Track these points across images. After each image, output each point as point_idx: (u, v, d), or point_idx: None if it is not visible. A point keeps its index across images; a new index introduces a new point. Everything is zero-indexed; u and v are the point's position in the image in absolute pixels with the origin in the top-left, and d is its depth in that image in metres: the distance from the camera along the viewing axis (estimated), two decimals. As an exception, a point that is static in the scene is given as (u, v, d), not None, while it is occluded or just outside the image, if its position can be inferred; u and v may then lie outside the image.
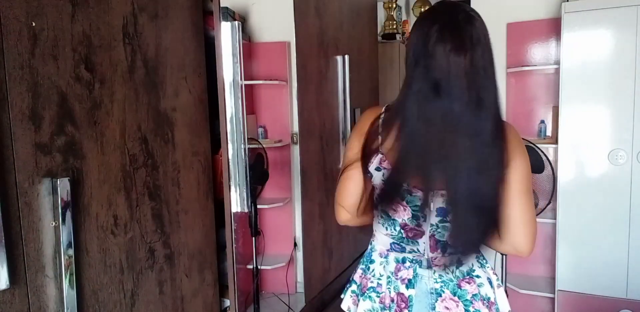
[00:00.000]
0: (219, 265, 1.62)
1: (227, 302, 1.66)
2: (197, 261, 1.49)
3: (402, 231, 1.12)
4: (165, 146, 1.34)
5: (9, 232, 0.89)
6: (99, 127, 1.11)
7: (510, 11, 2.62)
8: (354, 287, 1.24)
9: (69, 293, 1.00)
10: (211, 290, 1.57)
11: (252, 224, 2.04)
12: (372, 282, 1.18)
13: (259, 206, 2.12)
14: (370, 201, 1.18)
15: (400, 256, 1.15)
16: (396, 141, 1.04)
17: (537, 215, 1.26)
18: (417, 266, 1.12)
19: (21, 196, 0.92)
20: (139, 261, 1.24)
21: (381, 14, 3.76)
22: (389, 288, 1.15)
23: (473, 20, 0.99)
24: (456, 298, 1.10)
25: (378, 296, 1.17)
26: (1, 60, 0.88)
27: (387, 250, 1.17)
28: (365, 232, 1.26)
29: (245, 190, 1.57)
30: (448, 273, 1.11)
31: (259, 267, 2.13)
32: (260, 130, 2.33)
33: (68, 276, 1.00)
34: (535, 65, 2.56)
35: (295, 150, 2.20)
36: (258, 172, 2.04)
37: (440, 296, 1.10)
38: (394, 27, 3.79)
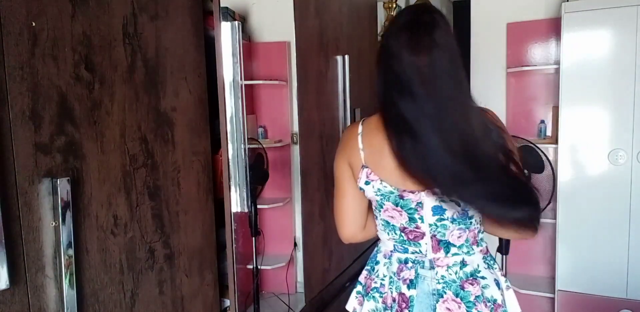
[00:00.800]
0: (219, 265, 1.62)
1: (227, 302, 1.66)
2: (197, 261, 1.49)
3: (403, 234, 1.13)
4: (165, 146, 1.34)
5: (9, 232, 0.89)
6: (99, 127, 1.11)
7: (510, 11, 2.62)
8: (359, 288, 1.25)
9: (69, 293, 1.00)
10: (211, 290, 1.57)
11: (252, 224, 2.04)
12: (375, 282, 1.19)
13: (259, 206, 2.12)
14: (370, 214, 1.20)
15: (403, 256, 1.15)
16: (380, 152, 1.06)
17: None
18: (419, 267, 1.12)
19: (21, 196, 0.92)
20: (139, 261, 1.24)
21: (381, 14, 3.76)
22: (390, 288, 1.15)
23: (435, 23, 1.01)
24: (459, 299, 1.09)
25: (381, 296, 1.17)
26: (1, 60, 0.88)
27: (391, 251, 1.17)
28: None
29: (245, 190, 1.57)
30: (451, 274, 1.11)
31: (259, 267, 2.13)
32: (260, 130, 2.33)
33: (68, 276, 1.00)
34: (535, 65, 2.56)
35: (295, 150, 2.20)
36: (258, 172, 2.04)
37: (442, 296, 1.10)
38: (394, 27, 3.79)
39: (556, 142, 2.40)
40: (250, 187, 1.59)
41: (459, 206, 1.06)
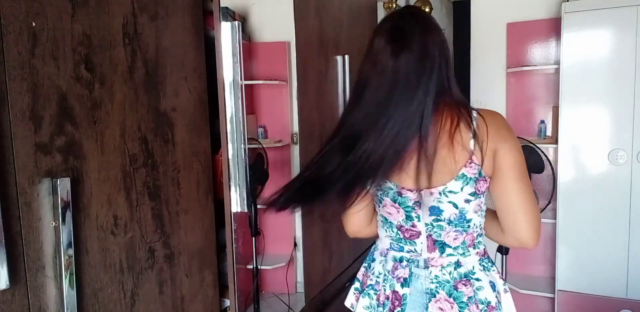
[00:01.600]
0: (219, 265, 1.62)
1: (227, 302, 1.66)
2: (197, 261, 1.49)
3: (399, 231, 1.13)
4: (165, 146, 1.34)
5: (9, 232, 0.89)
6: (99, 127, 1.11)
7: (510, 11, 2.62)
8: (356, 284, 1.26)
9: (69, 293, 1.00)
10: (211, 290, 1.57)
11: (252, 224, 2.04)
12: (371, 280, 1.19)
13: (259, 206, 2.12)
14: (375, 210, 1.21)
15: (399, 255, 1.15)
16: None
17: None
18: (414, 266, 1.12)
19: (21, 196, 0.92)
20: (139, 261, 1.24)
21: (381, 14, 3.76)
22: (384, 286, 1.15)
23: (418, 27, 1.04)
24: (451, 299, 1.09)
25: (375, 294, 1.18)
26: (1, 60, 0.88)
27: (387, 249, 1.18)
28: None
29: (245, 190, 1.57)
30: (444, 274, 1.11)
31: (259, 267, 2.13)
32: (260, 130, 2.33)
33: (68, 276, 1.00)
34: (535, 65, 2.56)
35: (295, 150, 2.21)
36: (258, 172, 2.04)
37: (435, 296, 1.10)
38: (394, 27, 3.79)
39: (556, 142, 2.40)
40: (250, 187, 1.59)
41: (456, 208, 1.06)
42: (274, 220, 2.36)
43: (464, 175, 1.03)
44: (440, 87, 1.02)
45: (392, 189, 1.09)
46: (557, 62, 2.39)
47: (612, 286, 2.28)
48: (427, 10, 3.82)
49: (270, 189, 2.27)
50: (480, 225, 1.12)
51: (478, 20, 2.68)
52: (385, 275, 1.16)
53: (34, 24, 0.94)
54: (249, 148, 1.64)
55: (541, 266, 2.65)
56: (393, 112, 0.98)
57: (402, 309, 1.11)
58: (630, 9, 2.15)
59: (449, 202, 1.05)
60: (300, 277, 2.26)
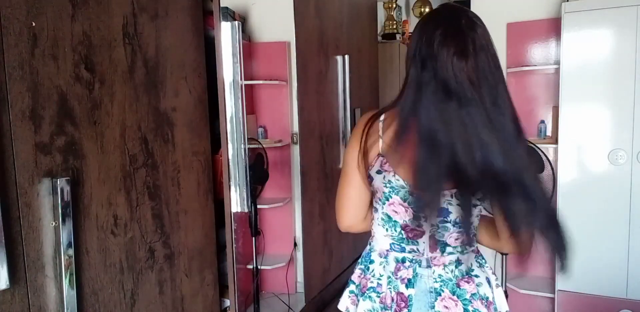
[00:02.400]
0: (219, 265, 1.62)
1: (227, 302, 1.66)
2: (197, 261, 1.49)
3: (403, 231, 1.13)
4: (165, 146, 1.34)
5: (9, 232, 0.89)
6: (99, 127, 1.11)
7: (510, 11, 2.62)
8: (352, 287, 1.24)
9: (69, 293, 1.00)
10: (211, 290, 1.57)
11: (252, 224, 2.04)
12: (371, 282, 1.18)
13: (259, 206, 2.12)
14: (370, 205, 1.19)
15: (400, 255, 1.15)
16: (407, 144, 1.03)
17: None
18: (417, 266, 1.13)
19: (21, 196, 0.92)
20: (139, 261, 1.24)
21: (381, 14, 3.76)
22: (389, 288, 1.15)
23: (476, 26, 1.01)
24: (455, 297, 1.10)
25: (378, 296, 1.17)
26: (1, 60, 0.88)
27: (387, 250, 1.17)
28: (365, 233, 1.26)
29: (245, 190, 1.57)
30: (447, 273, 1.11)
31: (259, 267, 2.13)
32: (260, 130, 2.33)
33: (68, 276, 1.00)
34: (535, 65, 2.56)
35: (295, 150, 2.21)
36: (258, 172, 2.04)
37: (440, 295, 1.10)
38: (394, 27, 3.79)
39: (556, 142, 2.39)
40: (250, 187, 1.59)
41: (468, 209, 1.06)
42: (274, 220, 2.37)
43: None
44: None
45: (404, 188, 1.08)
46: (557, 62, 2.39)
47: (612, 286, 2.28)
48: (427, 10, 3.83)
49: (270, 189, 2.27)
50: (477, 225, 1.13)
51: (478, 20, 2.68)
52: (389, 277, 1.15)
53: (34, 24, 0.94)
54: (249, 148, 1.64)
55: (541, 266, 2.65)
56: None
57: (408, 310, 1.11)
58: (630, 9, 2.15)
59: (458, 204, 1.05)
60: (300, 277, 2.26)
